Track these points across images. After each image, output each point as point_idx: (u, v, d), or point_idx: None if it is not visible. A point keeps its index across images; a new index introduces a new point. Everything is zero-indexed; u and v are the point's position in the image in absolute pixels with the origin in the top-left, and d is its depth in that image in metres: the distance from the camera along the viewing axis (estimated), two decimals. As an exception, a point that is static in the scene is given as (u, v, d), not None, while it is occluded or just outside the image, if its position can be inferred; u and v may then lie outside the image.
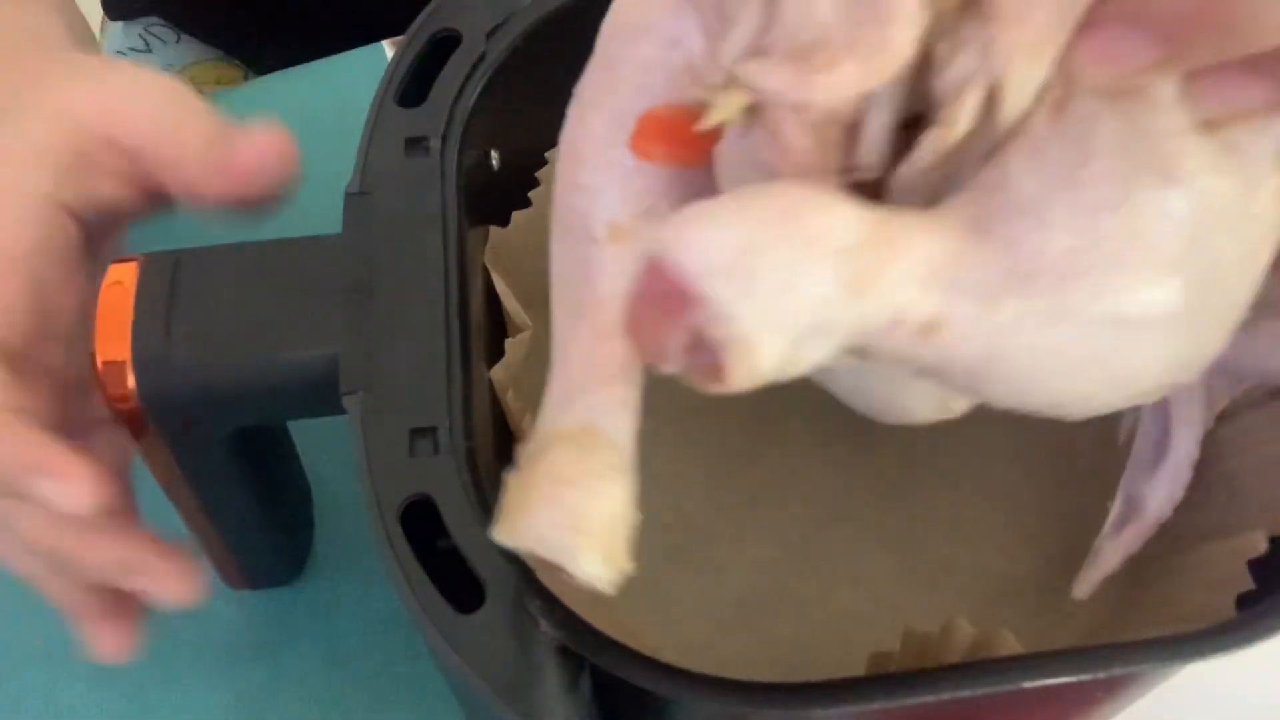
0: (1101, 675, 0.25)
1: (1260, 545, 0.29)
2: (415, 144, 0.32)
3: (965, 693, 0.25)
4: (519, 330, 0.33)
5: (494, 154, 0.35)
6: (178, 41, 0.68)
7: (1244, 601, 0.29)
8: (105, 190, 0.33)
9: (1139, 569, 0.34)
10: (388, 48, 0.50)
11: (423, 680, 0.38)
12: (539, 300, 0.33)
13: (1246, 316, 0.22)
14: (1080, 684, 0.26)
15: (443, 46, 0.34)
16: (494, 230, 0.35)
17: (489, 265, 0.34)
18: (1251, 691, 0.38)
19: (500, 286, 0.33)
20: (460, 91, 0.33)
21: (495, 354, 0.33)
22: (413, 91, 0.33)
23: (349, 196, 0.31)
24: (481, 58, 0.33)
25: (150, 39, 0.68)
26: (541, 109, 0.36)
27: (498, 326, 0.34)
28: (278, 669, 0.39)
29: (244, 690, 0.39)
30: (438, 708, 0.38)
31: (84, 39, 0.41)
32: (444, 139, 0.32)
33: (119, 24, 0.70)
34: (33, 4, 0.38)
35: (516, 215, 0.35)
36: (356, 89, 0.48)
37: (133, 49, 0.68)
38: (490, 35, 0.34)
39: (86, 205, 0.32)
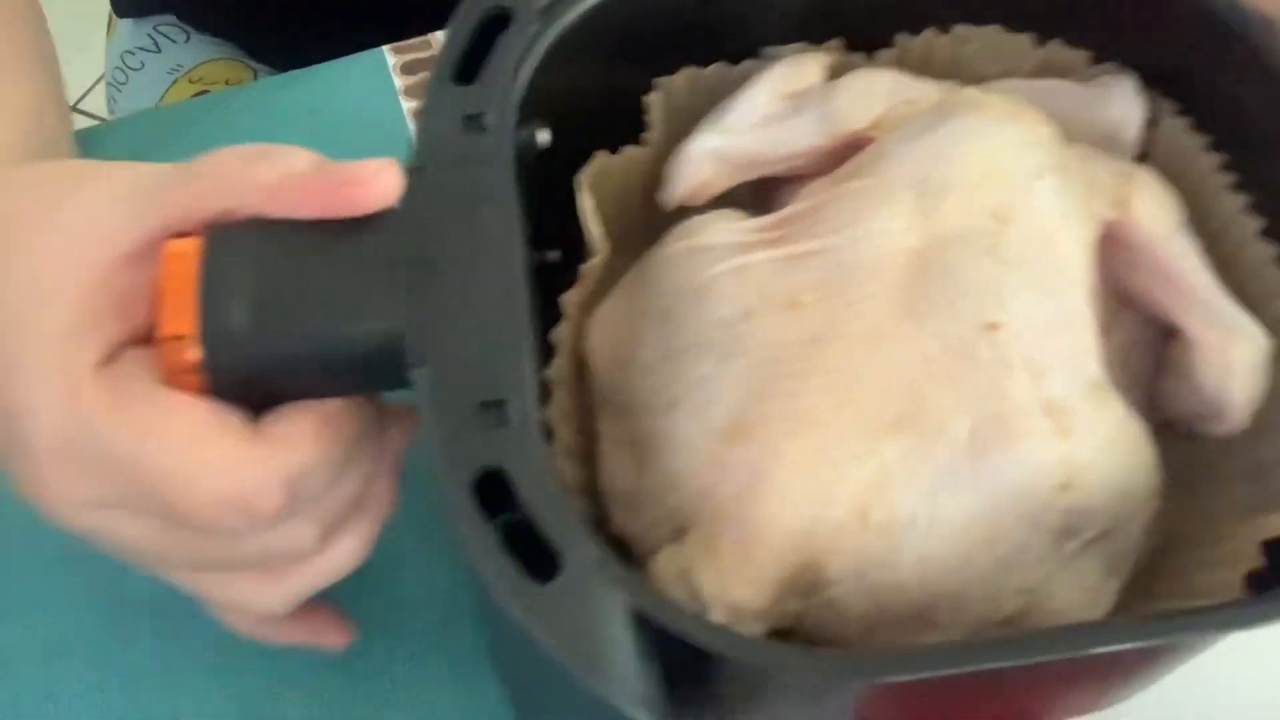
0: (1164, 641, 0.26)
1: (1277, 526, 0.30)
2: (472, 120, 0.32)
3: (1032, 660, 0.25)
4: (593, 256, 0.34)
5: (543, 132, 0.35)
6: (187, 41, 0.67)
7: (1252, 579, 0.30)
8: (142, 313, 0.30)
9: (1156, 553, 0.34)
10: (388, 53, 0.50)
11: (423, 681, 0.38)
12: (612, 235, 0.35)
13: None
14: (1135, 652, 0.27)
15: (494, 24, 0.34)
16: (602, 155, 0.35)
17: (584, 186, 0.34)
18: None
19: (586, 206, 0.33)
20: (515, 69, 0.33)
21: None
22: (466, 69, 0.33)
23: (410, 171, 0.31)
24: (535, 36, 0.33)
25: (159, 38, 0.68)
26: (590, 87, 0.36)
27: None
28: (278, 669, 0.39)
29: (244, 690, 0.38)
30: (438, 708, 0.38)
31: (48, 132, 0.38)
32: (500, 115, 0.32)
33: (127, 21, 0.69)
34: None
35: (629, 149, 0.36)
36: (357, 92, 0.49)
37: (141, 48, 0.68)
38: (543, 13, 0.34)
39: (127, 339, 0.30)
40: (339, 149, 0.47)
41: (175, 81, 0.66)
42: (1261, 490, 0.32)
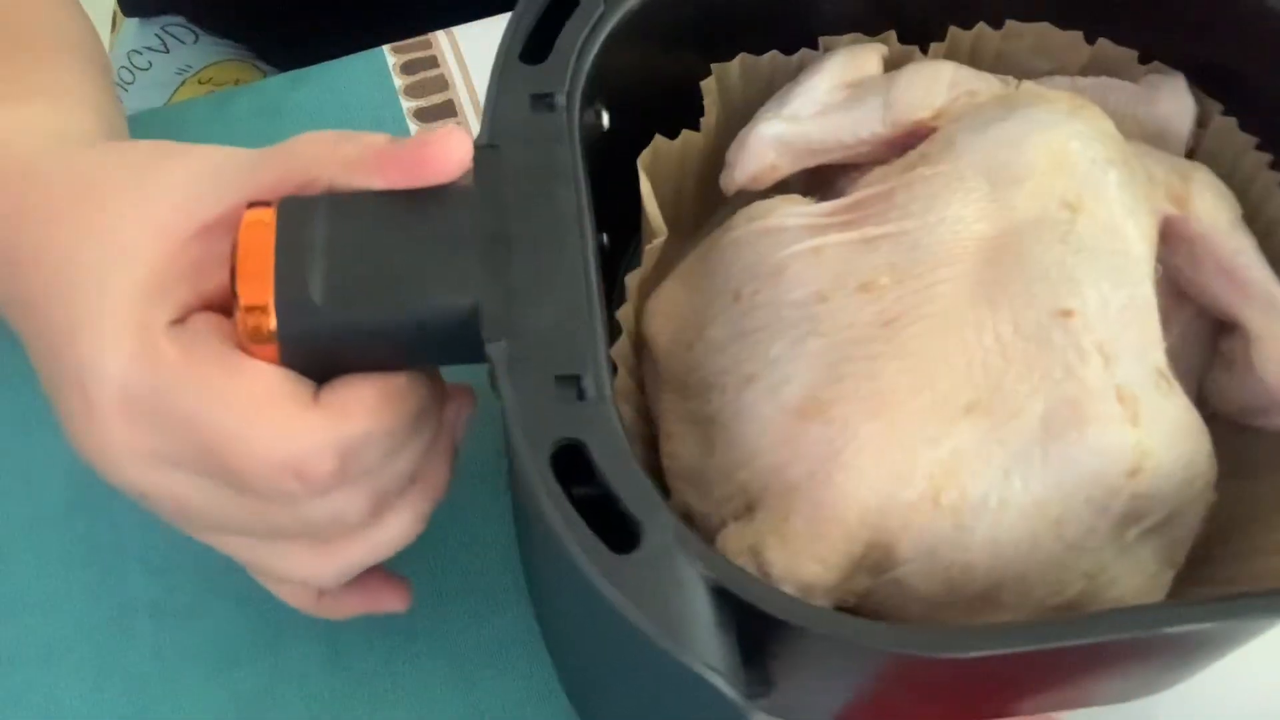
0: (1238, 622, 0.26)
1: None
2: (541, 100, 0.32)
3: (1111, 637, 0.26)
4: (654, 237, 0.34)
5: (605, 114, 0.35)
6: (195, 41, 0.67)
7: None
8: (214, 280, 0.30)
9: (1206, 540, 0.35)
10: (388, 53, 0.51)
11: (423, 680, 0.38)
12: (674, 217, 0.35)
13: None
14: (1194, 636, 0.28)
15: (559, 6, 0.34)
16: (659, 139, 0.35)
17: (642, 169, 0.34)
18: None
19: (646, 189, 0.34)
20: (582, 50, 0.33)
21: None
22: (532, 49, 0.33)
23: (480, 149, 0.31)
24: (600, 18, 0.34)
25: (167, 38, 0.67)
26: (650, 71, 0.37)
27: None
28: (278, 668, 0.39)
29: (244, 689, 0.38)
30: (438, 708, 0.38)
31: (118, 131, 0.38)
32: (568, 96, 0.32)
33: (134, 21, 0.69)
34: (62, 97, 0.36)
35: (685, 133, 0.36)
36: (357, 92, 0.49)
37: (148, 48, 0.67)
38: (609, -5, 0.34)
39: (197, 305, 0.30)
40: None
41: (184, 82, 0.65)
42: None
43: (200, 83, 0.65)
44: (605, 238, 0.38)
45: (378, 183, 0.30)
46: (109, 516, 0.40)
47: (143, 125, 0.50)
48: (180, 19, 0.67)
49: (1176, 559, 0.32)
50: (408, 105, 0.49)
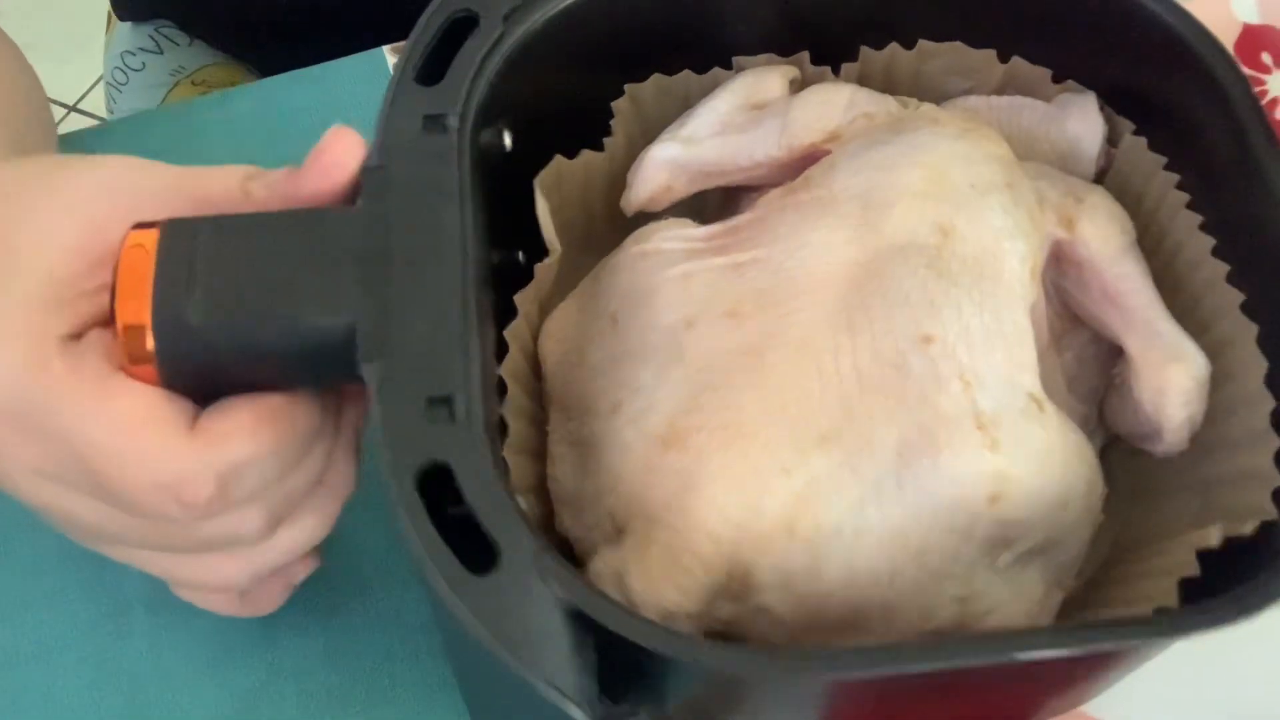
0: (1094, 650, 0.26)
1: (1214, 538, 0.30)
2: (433, 121, 0.32)
3: (960, 663, 0.26)
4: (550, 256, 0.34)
5: (507, 134, 0.35)
6: (190, 44, 0.67)
7: (1187, 587, 0.30)
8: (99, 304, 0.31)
9: (1106, 563, 0.35)
10: (388, 53, 0.51)
11: (421, 676, 0.39)
12: (576, 236, 0.35)
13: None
14: (1067, 660, 0.27)
15: (459, 27, 0.34)
16: (559, 159, 0.36)
17: (539, 188, 0.34)
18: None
19: (541, 208, 0.34)
20: (478, 71, 0.33)
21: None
22: (430, 70, 0.34)
23: (367, 170, 0.31)
24: (499, 39, 0.34)
25: (161, 40, 0.67)
26: (557, 92, 0.37)
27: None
28: (274, 664, 0.39)
29: (240, 686, 0.39)
30: (436, 704, 0.38)
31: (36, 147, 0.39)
32: (461, 117, 0.33)
33: (127, 24, 0.69)
34: None
35: (586, 153, 0.36)
36: (355, 93, 0.49)
37: (142, 48, 0.68)
38: (507, 18, 0.34)
39: (96, 320, 0.31)
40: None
41: (178, 83, 0.66)
42: (1207, 504, 0.33)
43: (194, 84, 0.66)
44: (521, 255, 0.38)
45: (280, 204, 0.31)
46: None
47: (142, 125, 0.50)
48: (173, 24, 0.68)
49: (1065, 582, 0.32)
50: (407, 105, 0.49)
